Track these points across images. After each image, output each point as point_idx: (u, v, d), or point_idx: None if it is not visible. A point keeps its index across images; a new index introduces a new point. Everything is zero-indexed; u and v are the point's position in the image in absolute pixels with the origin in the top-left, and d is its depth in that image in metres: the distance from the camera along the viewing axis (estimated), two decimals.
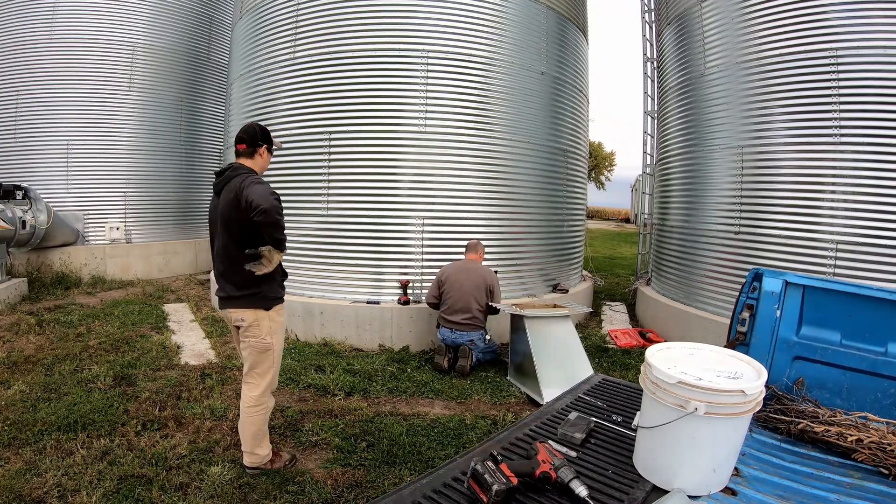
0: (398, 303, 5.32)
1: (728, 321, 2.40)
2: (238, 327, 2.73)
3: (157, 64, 9.02)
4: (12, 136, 8.31)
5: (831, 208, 4.49)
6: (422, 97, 5.44)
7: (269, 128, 5.92)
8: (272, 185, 6.02)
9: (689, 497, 1.42)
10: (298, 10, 5.80)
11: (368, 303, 5.32)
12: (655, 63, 7.99)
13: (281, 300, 2.80)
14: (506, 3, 5.80)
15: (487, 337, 4.72)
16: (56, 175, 8.30)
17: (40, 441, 3.02)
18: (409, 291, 5.37)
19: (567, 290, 6.39)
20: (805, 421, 1.90)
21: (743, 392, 1.37)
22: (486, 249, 5.68)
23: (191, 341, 5.22)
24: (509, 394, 4.13)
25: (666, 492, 1.44)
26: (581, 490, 1.34)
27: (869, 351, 2.01)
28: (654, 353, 1.59)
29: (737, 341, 2.26)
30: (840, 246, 4.43)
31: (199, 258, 9.86)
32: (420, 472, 2.82)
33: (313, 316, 5.36)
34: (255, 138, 2.78)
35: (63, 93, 8.30)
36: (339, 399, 3.86)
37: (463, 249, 5.15)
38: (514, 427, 1.87)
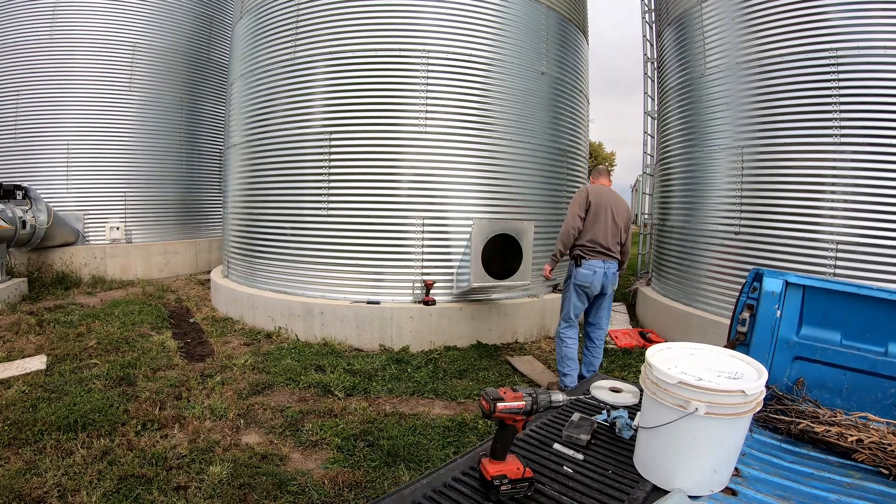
0: (421, 303, 5.32)
1: (728, 321, 2.40)
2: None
3: (157, 64, 9.03)
4: (12, 136, 8.31)
5: (831, 208, 4.49)
6: (422, 97, 5.44)
7: (268, 128, 6.03)
8: (271, 185, 6.02)
9: (690, 497, 1.42)
10: (299, 10, 5.80)
11: (369, 303, 5.32)
12: (656, 63, 7.99)
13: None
14: (506, 3, 5.80)
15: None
16: (56, 175, 8.30)
17: (40, 441, 3.02)
18: (432, 292, 5.37)
19: None
20: (805, 421, 1.90)
21: (743, 392, 1.37)
22: (487, 249, 5.68)
23: None
24: None
25: (666, 492, 1.45)
26: (558, 396, 1.54)
27: (869, 351, 2.01)
28: (654, 354, 1.59)
29: (737, 341, 2.26)
30: (840, 246, 4.43)
31: (199, 258, 9.86)
32: (420, 472, 2.82)
33: (313, 316, 5.36)
34: None
35: (63, 93, 8.30)
36: (340, 399, 3.86)
37: (463, 248, 5.14)
38: None
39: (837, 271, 4.41)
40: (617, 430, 1.83)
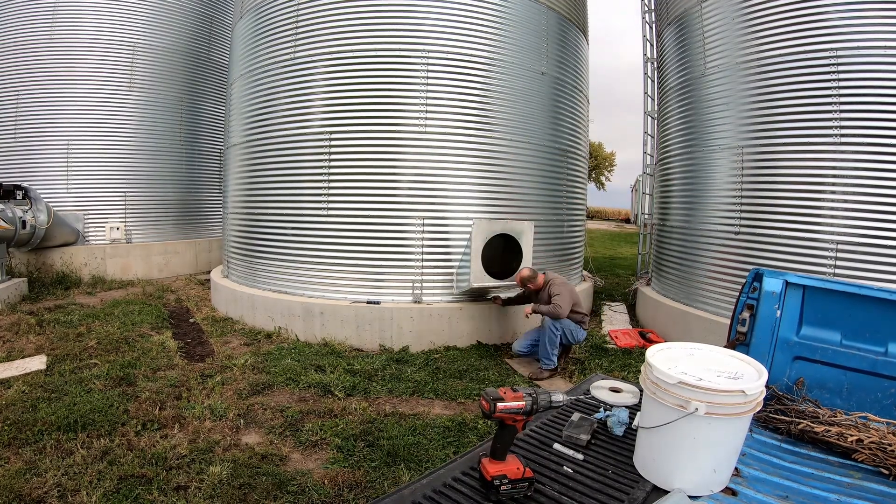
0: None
1: (728, 321, 2.40)
2: None
3: (157, 64, 9.02)
4: (12, 136, 8.31)
5: (831, 208, 4.49)
6: (422, 97, 5.44)
7: (268, 128, 6.04)
8: (271, 185, 6.02)
9: (690, 497, 1.42)
10: (299, 10, 5.80)
11: (368, 303, 5.32)
12: (656, 63, 7.99)
13: None
14: (506, 3, 5.80)
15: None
16: (56, 175, 8.30)
17: (40, 441, 3.02)
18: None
19: None
20: (805, 421, 1.90)
21: (743, 392, 1.37)
22: (487, 249, 5.69)
23: None
24: None
25: (666, 492, 1.44)
26: (558, 397, 1.54)
27: (869, 351, 2.01)
28: (654, 354, 1.59)
29: (737, 341, 2.26)
30: (840, 246, 4.43)
31: (199, 258, 9.86)
32: (420, 472, 2.82)
33: (313, 316, 5.36)
34: None
35: (63, 93, 8.30)
36: (340, 399, 3.86)
37: (463, 248, 5.14)
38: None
39: (837, 271, 4.41)
40: (608, 428, 1.83)
